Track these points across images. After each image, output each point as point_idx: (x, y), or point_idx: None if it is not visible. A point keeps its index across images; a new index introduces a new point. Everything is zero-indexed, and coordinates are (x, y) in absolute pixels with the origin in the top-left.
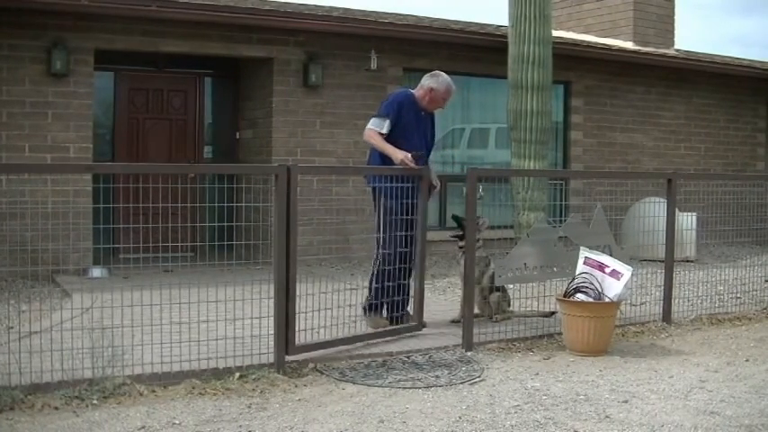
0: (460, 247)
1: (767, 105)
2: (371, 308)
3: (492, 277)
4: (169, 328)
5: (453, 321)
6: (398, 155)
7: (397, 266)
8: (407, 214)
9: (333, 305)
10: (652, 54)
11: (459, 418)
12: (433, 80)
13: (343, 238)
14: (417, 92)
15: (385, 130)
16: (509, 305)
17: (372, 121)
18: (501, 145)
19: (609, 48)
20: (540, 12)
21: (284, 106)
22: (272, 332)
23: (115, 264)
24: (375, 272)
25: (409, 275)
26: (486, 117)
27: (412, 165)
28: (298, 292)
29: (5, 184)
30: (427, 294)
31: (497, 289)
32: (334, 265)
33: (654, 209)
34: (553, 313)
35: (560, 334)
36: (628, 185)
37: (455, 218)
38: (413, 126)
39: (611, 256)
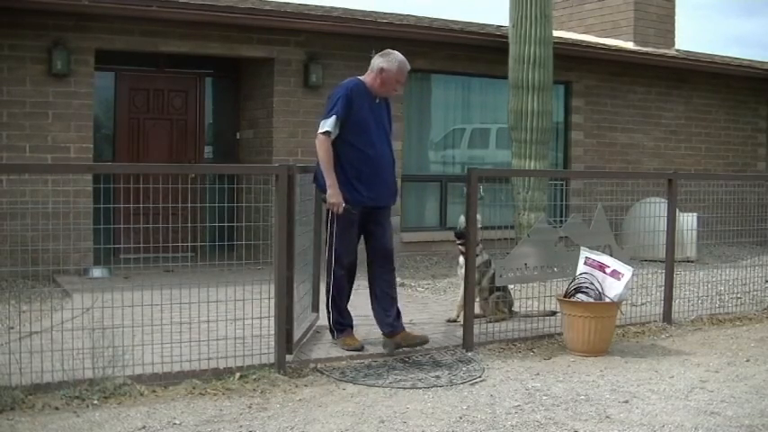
0: (462, 253)
1: (767, 105)
2: (337, 325)
3: (492, 278)
4: (170, 329)
5: (450, 321)
6: (332, 198)
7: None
8: (369, 221)
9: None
10: (652, 54)
11: (460, 418)
12: (383, 59)
13: None
14: (367, 77)
15: (334, 130)
16: (511, 306)
17: (322, 122)
18: (501, 145)
19: (609, 48)
20: (540, 12)
21: (285, 106)
22: (272, 332)
23: (116, 264)
24: (332, 290)
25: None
26: (487, 117)
27: (335, 209)
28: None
29: (6, 184)
30: (428, 294)
31: (498, 289)
32: None
33: (654, 209)
34: (555, 312)
35: (561, 334)
36: (628, 185)
37: (457, 233)
38: (368, 118)
39: (611, 256)
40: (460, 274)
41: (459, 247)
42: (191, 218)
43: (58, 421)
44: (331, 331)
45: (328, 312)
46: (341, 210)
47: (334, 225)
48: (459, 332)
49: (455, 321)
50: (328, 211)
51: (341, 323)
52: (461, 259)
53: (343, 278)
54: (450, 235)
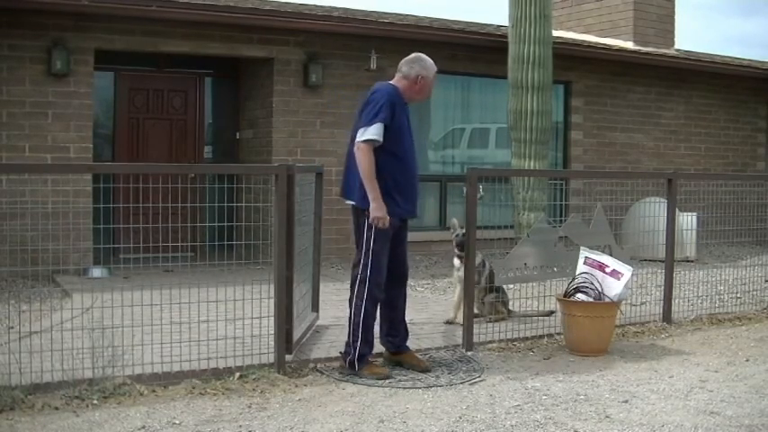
0: (458, 256)
1: (767, 105)
2: (361, 357)
3: (487, 278)
4: (169, 328)
5: (447, 322)
6: (378, 212)
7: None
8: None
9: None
10: (652, 54)
11: (460, 417)
12: (420, 66)
13: (344, 237)
14: (401, 83)
15: (380, 138)
16: (506, 306)
17: (364, 130)
18: (501, 145)
19: (609, 48)
20: (540, 12)
21: (284, 106)
22: (272, 332)
23: (115, 264)
24: (366, 309)
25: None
26: (487, 117)
27: (381, 224)
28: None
29: (6, 184)
30: (427, 294)
31: (495, 290)
32: (335, 265)
33: (654, 209)
34: (552, 312)
35: (560, 334)
36: (628, 185)
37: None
38: (405, 126)
39: (611, 255)
40: (457, 276)
41: (457, 251)
42: (190, 218)
43: (58, 421)
44: (351, 364)
45: (354, 340)
46: (387, 224)
47: (372, 242)
48: (459, 332)
49: (452, 323)
50: (362, 226)
51: (364, 355)
52: (456, 261)
53: (379, 302)
54: (450, 234)
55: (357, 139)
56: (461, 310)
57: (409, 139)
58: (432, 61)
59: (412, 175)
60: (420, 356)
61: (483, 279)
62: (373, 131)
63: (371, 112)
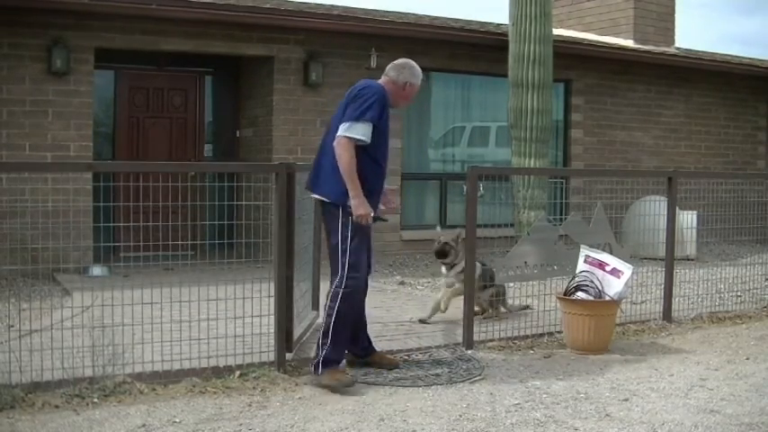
0: (443, 263)
1: (767, 104)
2: (327, 362)
3: (479, 278)
4: (170, 327)
5: (421, 321)
6: (361, 209)
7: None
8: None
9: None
10: (652, 52)
11: (460, 416)
12: (410, 72)
13: None
14: (388, 86)
15: (369, 140)
16: (503, 304)
17: (351, 126)
18: (501, 143)
19: (609, 46)
20: (540, 10)
21: (284, 105)
22: (272, 330)
23: (115, 262)
24: (339, 310)
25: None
26: (487, 115)
27: (364, 221)
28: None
29: (6, 182)
30: (427, 293)
31: (491, 287)
32: None
33: (654, 207)
34: (527, 307)
35: (561, 332)
36: (628, 184)
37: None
38: (386, 130)
39: (611, 254)
40: (443, 281)
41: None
42: (191, 216)
43: (58, 419)
44: (316, 366)
45: (324, 343)
46: (370, 221)
47: (350, 241)
48: (460, 330)
49: (425, 322)
50: (338, 224)
51: (332, 360)
52: (443, 269)
53: (362, 301)
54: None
55: (339, 134)
56: (437, 312)
57: (387, 144)
58: (420, 69)
59: (383, 181)
60: (390, 356)
61: (478, 277)
62: (361, 131)
63: (361, 107)
